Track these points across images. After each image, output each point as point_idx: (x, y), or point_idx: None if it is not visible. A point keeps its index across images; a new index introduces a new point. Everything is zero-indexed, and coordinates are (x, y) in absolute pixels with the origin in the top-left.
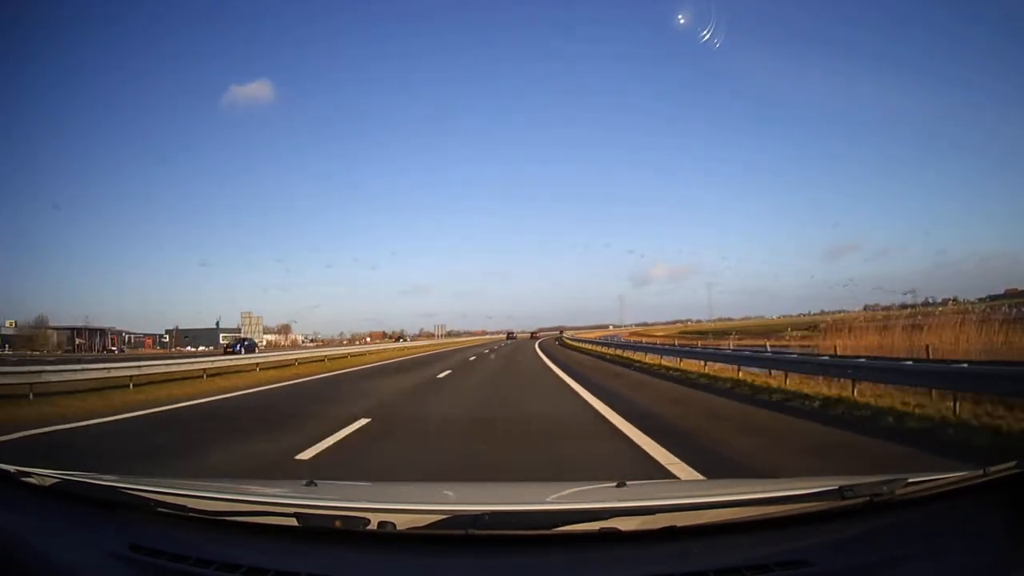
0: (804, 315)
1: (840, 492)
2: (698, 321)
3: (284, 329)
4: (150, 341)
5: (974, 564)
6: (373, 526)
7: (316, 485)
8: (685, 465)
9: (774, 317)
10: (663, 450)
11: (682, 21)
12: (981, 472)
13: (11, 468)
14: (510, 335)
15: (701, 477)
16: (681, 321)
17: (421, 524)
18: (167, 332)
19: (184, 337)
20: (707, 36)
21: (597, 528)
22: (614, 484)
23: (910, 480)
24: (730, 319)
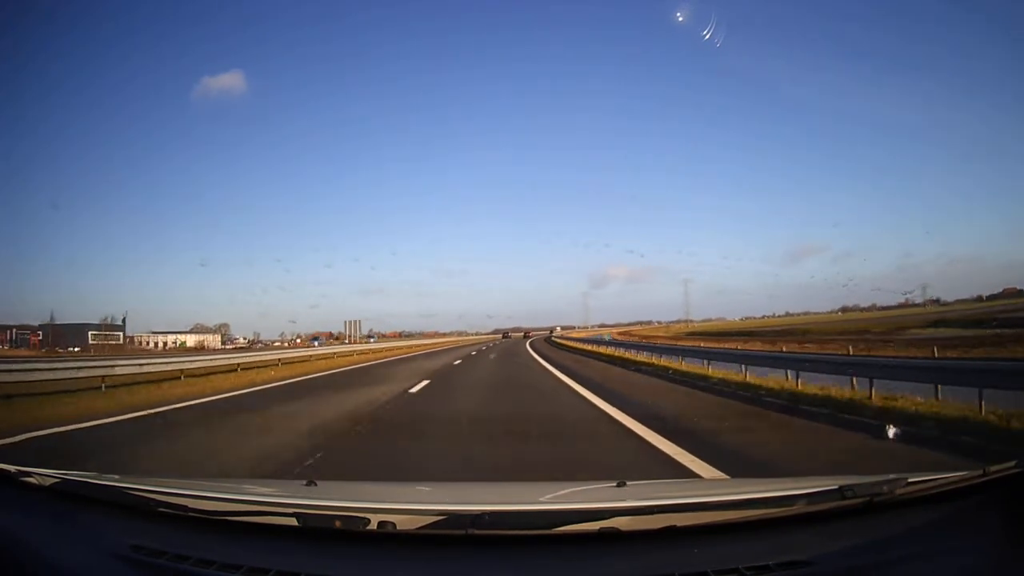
0: (768, 316)
1: (840, 492)
2: (659, 323)
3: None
4: None
5: (974, 564)
6: (373, 526)
7: (316, 485)
8: None
9: (737, 319)
10: None
11: (681, 19)
12: (981, 472)
13: (11, 468)
14: (505, 335)
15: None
16: (644, 322)
17: (421, 524)
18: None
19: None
20: (708, 35)
21: (597, 528)
22: (614, 484)
23: (910, 480)
24: (691, 320)
